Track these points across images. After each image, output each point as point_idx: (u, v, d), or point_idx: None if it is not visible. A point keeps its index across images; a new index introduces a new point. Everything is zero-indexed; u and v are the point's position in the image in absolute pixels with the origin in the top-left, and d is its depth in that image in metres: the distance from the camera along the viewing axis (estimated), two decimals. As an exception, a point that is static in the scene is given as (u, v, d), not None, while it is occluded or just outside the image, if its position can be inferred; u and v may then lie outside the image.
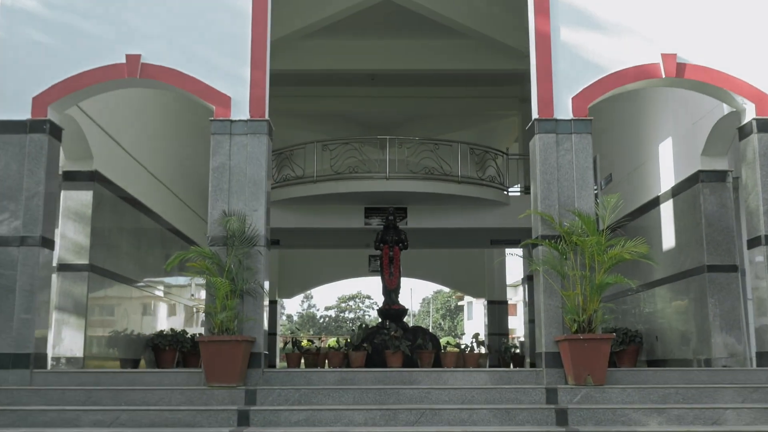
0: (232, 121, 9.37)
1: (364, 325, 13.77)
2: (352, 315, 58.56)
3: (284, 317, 56.98)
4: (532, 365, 17.77)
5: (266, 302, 9.25)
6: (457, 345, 13.33)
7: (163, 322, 14.71)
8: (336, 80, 18.84)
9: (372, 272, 21.10)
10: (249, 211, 9.16)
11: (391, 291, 14.81)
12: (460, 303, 55.39)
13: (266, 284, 9.19)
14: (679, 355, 11.65)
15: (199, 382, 8.68)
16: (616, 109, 13.27)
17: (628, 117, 13.51)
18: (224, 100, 9.42)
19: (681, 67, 9.42)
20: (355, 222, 17.15)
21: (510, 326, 24.57)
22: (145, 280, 13.39)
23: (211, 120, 9.43)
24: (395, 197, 16.36)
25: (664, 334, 12.19)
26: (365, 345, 12.62)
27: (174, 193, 14.68)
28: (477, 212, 17.24)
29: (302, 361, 13.32)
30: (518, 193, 18.51)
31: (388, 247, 14.91)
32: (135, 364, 12.86)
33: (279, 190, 16.81)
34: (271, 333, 21.45)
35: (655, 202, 12.40)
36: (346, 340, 13.16)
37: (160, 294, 14.44)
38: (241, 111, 9.42)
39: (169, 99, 13.22)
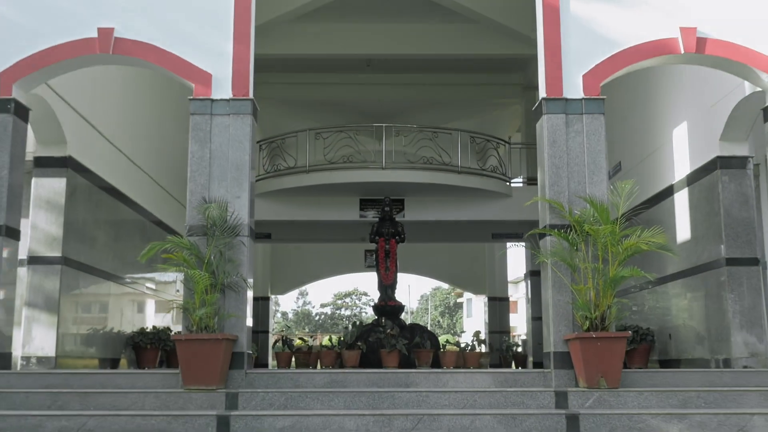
0: (212, 100, 8.76)
1: (358, 323, 13.19)
2: (348, 312, 58.13)
3: (279, 314, 56.77)
4: (536, 364, 17.70)
5: (250, 297, 8.58)
6: (457, 344, 12.97)
7: (146, 319, 14.07)
8: (330, 66, 18.36)
9: (368, 268, 20.53)
10: (231, 198, 8.55)
11: (387, 286, 14.32)
12: (459, 300, 55.07)
13: (250, 278, 8.53)
14: (694, 355, 11.03)
15: (176, 384, 8.08)
16: (626, 91, 12.73)
17: (638, 100, 12.91)
18: (204, 78, 8.80)
19: (701, 42, 8.79)
20: (349, 214, 16.71)
21: (511, 324, 24.04)
22: (125, 274, 12.74)
23: (190, 99, 8.82)
24: (392, 188, 15.87)
25: (678, 332, 11.57)
26: (359, 344, 12.20)
27: (157, 183, 14.03)
28: (478, 204, 16.79)
29: (293, 360, 12.80)
30: (521, 184, 18.05)
31: (384, 240, 14.39)
32: (114, 363, 12.25)
33: (270, 180, 16.34)
34: (263, 331, 21.04)
35: (669, 192, 11.78)
36: (340, 338, 12.67)
37: (142, 289, 13.80)
38: (222, 89, 8.80)
39: (151, 78, 12.57)
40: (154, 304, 14.55)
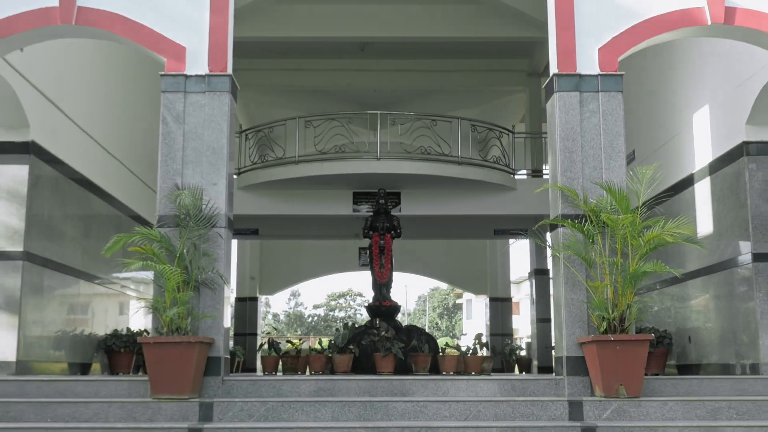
0: (186, 76, 8.16)
1: (350, 324, 12.55)
2: (342, 314, 57.77)
3: (270, 316, 56.35)
4: (541, 369, 17.23)
5: (228, 295, 7.99)
6: (457, 347, 12.26)
7: (122, 321, 13.41)
8: (321, 51, 17.80)
9: (362, 266, 20.11)
10: (207, 184, 7.97)
11: (381, 285, 13.73)
12: (458, 301, 54.66)
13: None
14: (717, 359, 10.40)
15: (145, 393, 7.51)
16: (639, 70, 12.11)
17: (653, 80, 12.32)
18: (177, 52, 8.18)
19: (730, 12, 8.19)
20: (342, 208, 16.08)
21: (514, 326, 23.53)
22: (98, 272, 12.07)
23: (162, 75, 8.19)
24: (387, 180, 15.23)
25: (699, 334, 10.94)
26: (351, 347, 11.65)
27: (134, 173, 13.36)
28: (479, 198, 16.16)
29: (280, 365, 12.33)
30: (525, 177, 17.54)
31: (379, 235, 13.76)
32: (85, 369, 11.60)
33: (257, 172, 15.75)
34: (252, 333, 20.56)
35: (689, 182, 11.15)
36: (330, 341, 12.06)
37: (118, 289, 13.12)
38: (198, 64, 8.20)
39: (126, 55, 11.91)
40: (131, 304, 13.88)
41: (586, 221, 7.69)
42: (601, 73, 8.12)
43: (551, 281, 9.33)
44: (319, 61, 18.20)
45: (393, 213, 14.69)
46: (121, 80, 12.87)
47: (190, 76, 8.13)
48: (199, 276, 7.66)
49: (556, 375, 7.90)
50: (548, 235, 8.42)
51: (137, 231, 7.68)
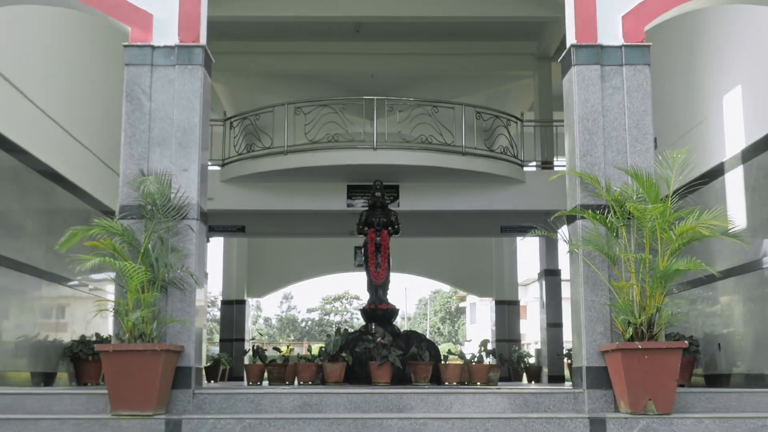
0: (153, 47, 7.54)
1: (343, 330, 12.00)
2: (338, 318, 57.38)
3: (261, 320, 56.00)
4: (551, 378, 16.66)
5: (201, 296, 7.39)
6: (461, 355, 12.01)
7: (92, 326, 12.72)
8: (312, 32, 17.33)
9: (358, 267, 19.55)
10: (176, 170, 7.36)
11: (378, 287, 13.17)
12: (461, 304, 54.24)
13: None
14: (750, 369, 9.76)
15: (104, 408, 6.85)
16: (663, 48, 11.54)
17: (680, 60, 11.71)
18: (143, 19, 7.57)
19: (772, -25, 7.51)
20: (335, 203, 15.68)
21: (521, 331, 22.96)
22: (64, 273, 11.40)
23: (125, 46, 7.54)
24: (384, 172, 14.74)
25: (730, 341, 10.30)
26: (344, 354, 11.26)
27: (106, 164, 12.69)
28: (485, 192, 15.77)
29: (266, 375, 12.03)
30: (535, 169, 16.97)
31: (375, 231, 13.19)
32: (49, 378, 10.97)
33: (243, 164, 15.30)
34: (239, 339, 20.11)
35: (719, 171, 10.52)
36: (321, 348, 11.69)
37: (85, 290, 12.46)
38: (166, 34, 7.59)
39: (95, 28, 11.25)
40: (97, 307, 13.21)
41: (608, 212, 7.10)
42: (626, 44, 7.50)
43: (568, 282, 8.87)
44: (310, 44, 17.68)
45: (390, 208, 14.13)
46: (89, 57, 12.21)
47: (158, 47, 7.52)
48: (167, 274, 7.05)
49: (574, 388, 7.29)
50: (564, 230, 7.81)
51: (96, 223, 7.04)
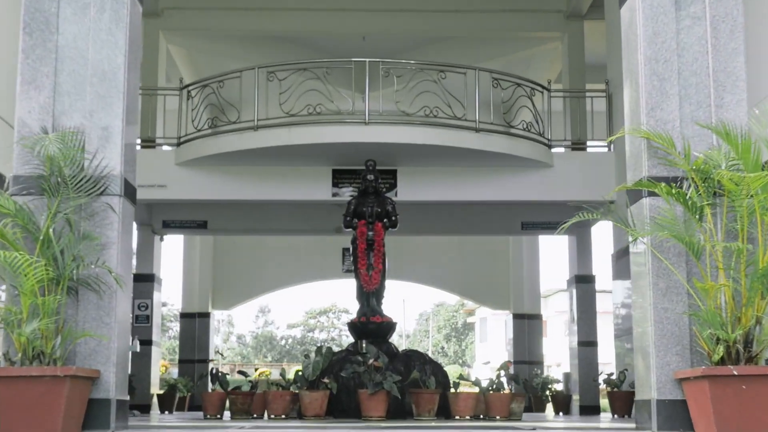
0: (62, -38, 6.55)
1: (326, 349, 11.37)
2: (324, 335, 57.38)
3: (234, 338, 55.72)
4: (584, 409, 15.91)
5: (125, 302, 6.51)
6: (477, 381, 11.32)
7: None
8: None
9: (347, 272, 19.05)
10: (92, 128, 6.56)
11: (370, 295, 12.37)
12: (469, 319, 54.21)
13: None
14: None
15: (-13, 455, 5.97)
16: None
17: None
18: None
19: None
20: (318, 191, 14.76)
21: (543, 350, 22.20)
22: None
23: (26, -39, 6.52)
24: (378, 152, 13.82)
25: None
26: (327, 380, 10.67)
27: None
28: (502, 178, 14.86)
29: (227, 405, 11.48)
30: (564, 149, 16.12)
31: (366, 224, 12.41)
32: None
33: (204, 142, 14.46)
34: (202, 360, 19.28)
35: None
36: (298, 372, 11.15)
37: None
38: (81, -58, 6.49)
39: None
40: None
41: (687, 186, 6.30)
42: (708, -45, 6.62)
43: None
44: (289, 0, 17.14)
45: (387, 196, 13.41)
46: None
47: (69, -41, 6.53)
48: (76, 271, 6.16)
49: (638, 427, 6.56)
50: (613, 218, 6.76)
51: (-22, 200, 5.97)
